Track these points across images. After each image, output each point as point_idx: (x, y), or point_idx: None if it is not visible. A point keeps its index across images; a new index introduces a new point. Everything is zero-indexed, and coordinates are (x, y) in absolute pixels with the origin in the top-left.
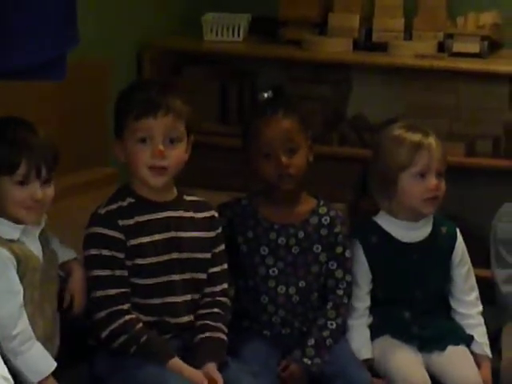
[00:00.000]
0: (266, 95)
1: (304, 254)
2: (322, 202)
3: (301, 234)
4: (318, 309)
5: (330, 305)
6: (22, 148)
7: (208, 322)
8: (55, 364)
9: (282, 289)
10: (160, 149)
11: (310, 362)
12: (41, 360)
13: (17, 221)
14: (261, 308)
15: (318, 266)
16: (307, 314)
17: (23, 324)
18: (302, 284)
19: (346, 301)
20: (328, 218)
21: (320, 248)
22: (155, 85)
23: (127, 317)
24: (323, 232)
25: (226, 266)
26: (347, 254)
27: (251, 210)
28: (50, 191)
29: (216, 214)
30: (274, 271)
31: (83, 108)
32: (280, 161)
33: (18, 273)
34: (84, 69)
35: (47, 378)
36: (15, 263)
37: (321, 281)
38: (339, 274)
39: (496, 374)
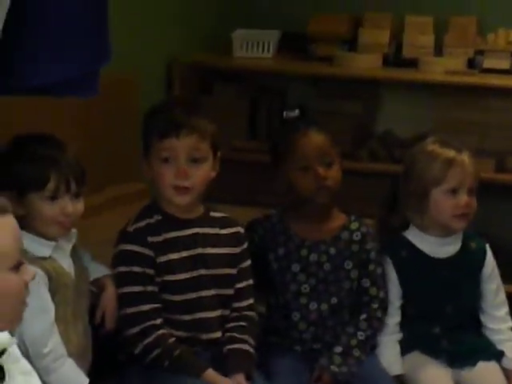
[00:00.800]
0: (292, 114)
1: (335, 270)
2: (353, 218)
3: (332, 251)
4: (350, 323)
5: (363, 316)
6: (50, 163)
7: (235, 334)
8: (88, 380)
9: (313, 305)
10: (183, 169)
11: (336, 370)
12: (73, 377)
13: (47, 237)
14: (292, 325)
15: (350, 283)
16: (338, 328)
17: (55, 341)
18: (333, 301)
19: (379, 315)
20: (359, 234)
21: (351, 264)
22: (180, 104)
23: (160, 332)
24: (354, 248)
25: (251, 281)
26: (379, 270)
27: (282, 227)
28: (80, 206)
29: (242, 230)
30: (305, 288)
31: (114, 123)
32: (318, 173)
33: (49, 290)
34: (115, 84)
35: None
36: (47, 281)
37: (352, 297)
38: (373, 291)
39: None
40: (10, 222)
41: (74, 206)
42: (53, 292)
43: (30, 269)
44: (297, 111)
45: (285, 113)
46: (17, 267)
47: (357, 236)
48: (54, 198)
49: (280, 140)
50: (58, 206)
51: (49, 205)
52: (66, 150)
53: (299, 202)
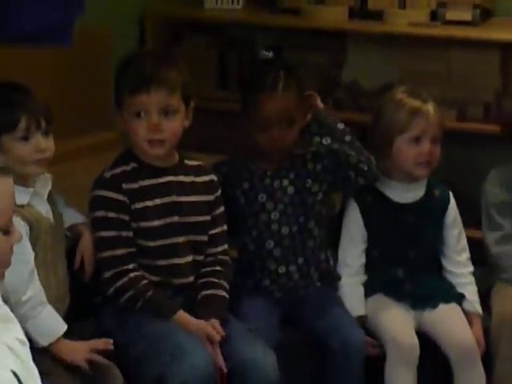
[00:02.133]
0: (267, 54)
1: (299, 192)
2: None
3: (292, 175)
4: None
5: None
6: (18, 106)
7: (211, 279)
8: (66, 327)
9: (285, 230)
10: (156, 123)
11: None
12: (52, 324)
13: (25, 182)
14: (266, 254)
15: (313, 197)
16: (307, 248)
17: (34, 289)
18: (301, 219)
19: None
20: (310, 154)
21: (310, 181)
22: (150, 57)
23: (132, 274)
24: (310, 166)
25: (225, 227)
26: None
27: (244, 164)
28: (51, 143)
29: (215, 178)
30: (275, 215)
31: (87, 74)
32: (273, 136)
33: (30, 238)
34: (87, 36)
35: (58, 340)
36: (28, 230)
37: (317, 210)
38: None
39: (486, 330)
40: (7, 183)
41: (45, 143)
42: (34, 239)
43: (17, 231)
44: (271, 53)
45: (260, 53)
46: (6, 231)
47: (309, 155)
48: (26, 137)
49: (247, 97)
50: (31, 145)
51: (22, 145)
52: (32, 94)
53: (260, 150)
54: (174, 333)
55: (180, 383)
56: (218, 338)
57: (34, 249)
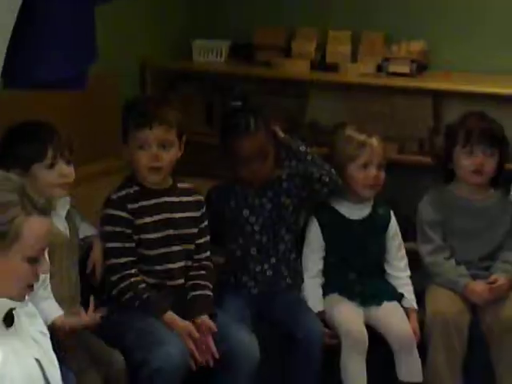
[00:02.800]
0: (236, 104)
1: (275, 207)
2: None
3: (270, 194)
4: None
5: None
6: (46, 140)
7: (197, 281)
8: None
9: (265, 239)
10: (155, 154)
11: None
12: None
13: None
14: (251, 259)
15: (286, 211)
16: (279, 250)
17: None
18: (276, 228)
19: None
20: (285, 175)
21: (285, 197)
22: (151, 100)
23: (133, 279)
24: (284, 185)
25: (208, 237)
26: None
27: (231, 187)
28: (72, 170)
29: (202, 198)
30: (257, 227)
31: (98, 111)
32: (253, 169)
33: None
34: (99, 79)
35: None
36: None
37: (290, 220)
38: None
39: (421, 324)
40: (46, 223)
41: (68, 170)
42: (50, 251)
43: (47, 263)
44: (239, 102)
45: (231, 103)
46: (34, 260)
47: (284, 176)
48: (52, 165)
49: (226, 141)
50: (56, 171)
51: (49, 172)
52: (56, 129)
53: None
54: (158, 328)
55: (158, 366)
56: (197, 335)
57: (50, 259)
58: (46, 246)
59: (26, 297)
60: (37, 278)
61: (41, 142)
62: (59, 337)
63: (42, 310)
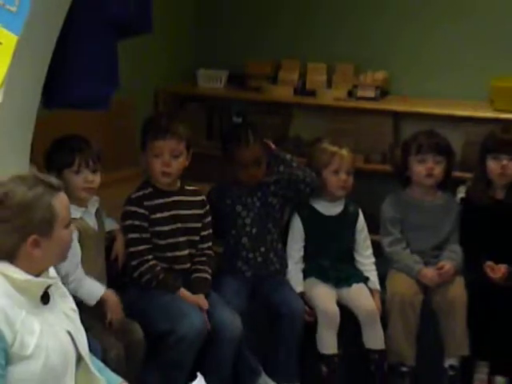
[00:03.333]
0: (237, 119)
1: (264, 205)
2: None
3: (259, 194)
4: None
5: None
6: (75, 150)
7: (199, 266)
8: (104, 288)
9: (254, 230)
10: (167, 162)
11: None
12: (93, 289)
13: (79, 202)
14: (242, 248)
15: (273, 209)
16: (267, 241)
17: (78, 272)
18: (264, 222)
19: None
20: (272, 180)
21: (272, 197)
22: (165, 117)
23: (150, 263)
24: (272, 188)
25: (211, 231)
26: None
27: (228, 187)
28: (98, 177)
29: (205, 198)
30: (248, 220)
31: (119, 128)
32: (250, 173)
33: (79, 240)
34: (121, 102)
35: (102, 299)
36: (77, 234)
37: (277, 218)
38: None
39: (383, 301)
40: (64, 196)
41: (92, 177)
42: (81, 241)
43: (73, 226)
44: (240, 118)
45: (233, 118)
46: (68, 225)
47: (272, 180)
48: (77, 172)
49: (229, 149)
50: (81, 177)
51: (75, 177)
52: (87, 142)
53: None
54: (178, 302)
55: (183, 335)
56: (205, 307)
57: (81, 248)
58: (69, 213)
59: (74, 258)
60: (72, 238)
61: (70, 152)
62: (110, 308)
63: (85, 288)
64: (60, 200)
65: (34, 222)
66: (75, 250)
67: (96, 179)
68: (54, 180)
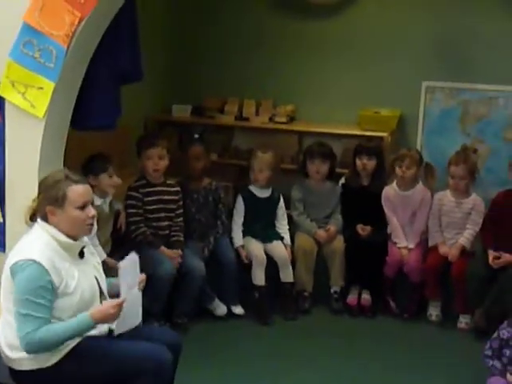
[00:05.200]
0: (197, 135)
1: (205, 203)
2: (214, 181)
3: (202, 193)
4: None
5: (219, 221)
6: (107, 161)
7: (175, 232)
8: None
9: (199, 216)
10: (156, 162)
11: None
12: (101, 254)
13: (101, 194)
14: (190, 223)
15: (213, 206)
16: (210, 224)
17: (94, 242)
18: (205, 214)
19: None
20: (214, 185)
21: (211, 198)
22: (154, 135)
23: (142, 229)
24: (213, 193)
25: (182, 210)
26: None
27: (185, 182)
28: (119, 180)
29: (179, 189)
30: (194, 210)
31: (122, 142)
32: (194, 165)
33: (97, 221)
34: (122, 125)
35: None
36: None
37: (213, 212)
38: (221, 211)
39: (292, 252)
40: (80, 187)
41: (117, 179)
42: (99, 220)
43: (93, 210)
44: (198, 135)
45: (195, 135)
46: (81, 207)
47: (213, 186)
48: (110, 175)
49: (186, 154)
50: (112, 179)
51: (109, 179)
52: (108, 156)
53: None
54: (158, 254)
55: (159, 276)
56: (178, 259)
57: (98, 225)
58: (89, 199)
59: (93, 232)
60: (90, 219)
61: (105, 162)
62: (109, 266)
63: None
64: (74, 188)
65: (51, 197)
66: (94, 230)
67: (119, 181)
68: (74, 176)
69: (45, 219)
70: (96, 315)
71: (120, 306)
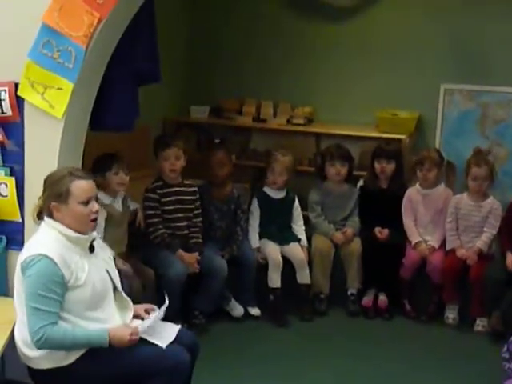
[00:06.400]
0: (217, 140)
1: (228, 210)
2: (235, 185)
3: (226, 201)
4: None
5: (238, 227)
6: (114, 160)
7: (194, 234)
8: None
9: (221, 224)
10: (173, 162)
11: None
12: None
13: (111, 193)
14: (212, 229)
15: (233, 214)
16: (231, 230)
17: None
18: (227, 222)
19: (244, 224)
20: (236, 192)
21: (233, 206)
22: (170, 135)
23: (160, 231)
24: (235, 203)
25: (200, 211)
26: (244, 208)
27: (208, 188)
28: (127, 178)
29: (197, 189)
30: (217, 216)
31: (140, 144)
32: (217, 172)
33: (106, 220)
34: (140, 127)
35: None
36: (105, 215)
37: (233, 220)
38: (240, 217)
39: (309, 253)
40: (84, 182)
41: (125, 177)
42: (108, 219)
43: (97, 206)
44: (219, 140)
45: (215, 140)
46: (85, 203)
47: (235, 194)
48: (117, 173)
49: (209, 159)
50: (118, 176)
51: (115, 177)
52: (121, 155)
53: (215, 180)
54: (171, 257)
55: (170, 278)
56: (195, 265)
57: (108, 223)
58: (92, 195)
59: (94, 231)
60: (94, 214)
61: (110, 161)
62: (117, 263)
63: None
64: (78, 184)
65: (55, 194)
66: (99, 227)
67: (126, 179)
68: (78, 172)
69: (50, 216)
70: (114, 339)
71: (137, 335)
